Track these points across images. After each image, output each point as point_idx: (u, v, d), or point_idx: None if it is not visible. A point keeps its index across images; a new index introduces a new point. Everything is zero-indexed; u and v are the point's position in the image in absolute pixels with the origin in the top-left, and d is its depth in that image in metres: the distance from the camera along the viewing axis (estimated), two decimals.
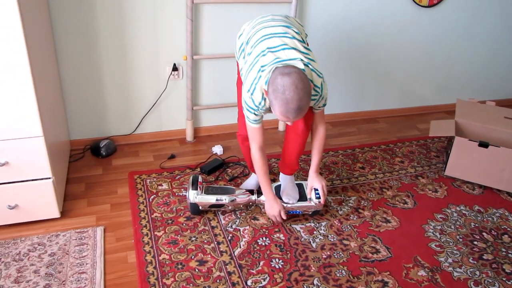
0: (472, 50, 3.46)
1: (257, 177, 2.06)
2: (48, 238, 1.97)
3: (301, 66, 1.73)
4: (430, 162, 2.81)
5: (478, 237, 2.17)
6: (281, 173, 2.24)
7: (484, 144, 2.44)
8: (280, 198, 2.14)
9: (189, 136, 2.88)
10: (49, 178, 1.99)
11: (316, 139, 2.06)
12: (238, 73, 2.09)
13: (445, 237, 2.15)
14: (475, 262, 2.01)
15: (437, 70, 3.45)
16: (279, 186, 2.21)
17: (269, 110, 1.84)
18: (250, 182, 2.36)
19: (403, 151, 2.92)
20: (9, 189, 1.94)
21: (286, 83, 1.61)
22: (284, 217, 2.07)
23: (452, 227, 2.23)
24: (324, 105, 1.93)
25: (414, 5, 3.08)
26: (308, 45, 1.96)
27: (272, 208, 2.06)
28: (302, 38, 1.91)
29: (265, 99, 1.78)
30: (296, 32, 1.89)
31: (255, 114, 1.84)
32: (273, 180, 2.45)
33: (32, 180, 1.97)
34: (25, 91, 1.80)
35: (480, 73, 3.60)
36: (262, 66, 1.76)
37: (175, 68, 2.69)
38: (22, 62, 1.74)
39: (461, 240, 2.14)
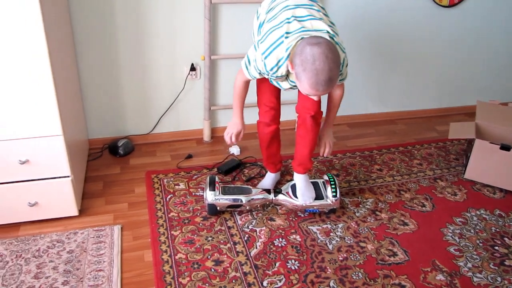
0: (493, 50, 3.39)
1: (233, 100, 2.05)
2: (67, 235, 2.00)
3: (327, 38, 1.67)
4: (449, 165, 2.77)
5: (499, 242, 2.13)
6: (295, 173, 2.23)
7: (506, 147, 2.40)
8: (296, 197, 2.14)
9: (206, 136, 2.89)
10: (68, 176, 2.02)
11: (329, 99, 2.05)
12: None
13: (464, 241, 2.12)
14: (496, 267, 1.97)
15: (457, 71, 3.40)
16: (295, 185, 2.20)
17: (281, 78, 1.80)
18: (266, 182, 2.37)
19: (422, 154, 2.88)
20: (29, 187, 1.98)
21: (316, 53, 1.53)
22: (233, 140, 2.08)
23: (472, 231, 2.19)
24: (343, 79, 1.87)
25: (434, 5, 3.04)
26: None
27: (234, 125, 2.07)
28: (326, 13, 1.86)
29: (278, 67, 1.71)
30: (321, 7, 1.85)
31: (259, 73, 1.82)
32: (289, 181, 2.44)
33: (52, 178, 2.00)
34: (45, 91, 1.82)
35: (501, 74, 3.54)
36: (287, 33, 1.67)
37: (193, 68, 2.70)
38: (43, 62, 1.77)
39: (481, 244, 2.10)
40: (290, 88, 1.91)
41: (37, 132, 1.89)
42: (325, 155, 2.16)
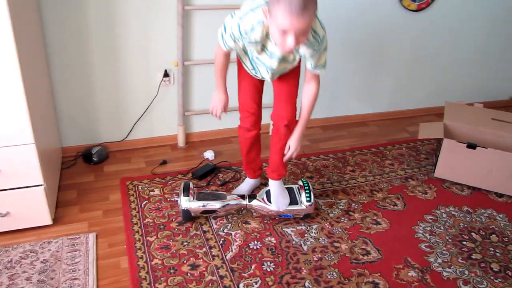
0: (460, 53, 3.51)
1: (215, 72, 2.04)
2: (40, 245, 1.98)
3: None
4: (420, 164, 2.84)
5: (467, 237, 2.20)
6: (269, 179, 2.25)
7: (472, 146, 2.48)
8: (271, 203, 2.16)
9: (180, 142, 2.90)
10: (41, 185, 2.00)
11: (304, 96, 1.98)
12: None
13: (434, 238, 2.18)
14: (464, 261, 2.04)
15: (426, 73, 3.50)
16: (269, 191, 2.22)
17: (256, 45, 1.77)
18: (243, 188, 2.39)
19: (393, 154, 2.95)
20: (0, 197, 1.95)
21: None
22: (219, 113, 2.11)
23: (442, 228, 2.26)
24: (322, 66, 1.87)
25: (403, 10, 3.13)
26: None
27: (218, 98, 2.10)
28: None
29: (253, 29, 1.70)
30: None
31: (234, 41, 1.79)
32: (264, 185, 2.47)
33: (24, 187, 1.97)
34: (15, 98, 1.80)
35: (468, 75, 3.65)
36: (266, 1, 1.65)
37: (166, 74, 2.71)
38: (13, 69, 1.75)
39: (450, 240, 2.17)
40: (272, 72, 1.91)
41: (8, 141, 1.87)
42: (284, 159, 2.10)
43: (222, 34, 1.83)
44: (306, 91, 1.98)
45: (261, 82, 2.11)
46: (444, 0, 3.21)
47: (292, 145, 2.06)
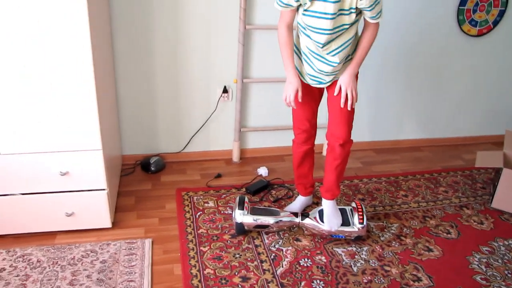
0: None
1: (281, 52, 1.98)
2: (100, 246, 2.08)
3: None
4: (476, 193, 2.76)
5: None
6: (323, 199, 2.26)
7: None
8: (323, 223, 2.17)
9: (235, 157, 2.97)
10: (104, 189, 2.11)
11: (362, 36, 1.93)
12: None
13: (491, 270, 2.11)
14: None
15: (485, 100, 3.41)
16: (322, 210, 2.23)
17: None
18: (295, 205, 2.41)
19: (448, 181, 2.89)
20: (68, 197, 2.07)
21: None
22: (292, 100, 1.97)
23: (500, 261, 2.18)
24: (378, 14, 1.84)
25: (463, 35, 3.09)
26: None
27: (291, 83, 1.98)
28: None
29: None
30: None
31: None
32: (316, 204, 2.49)
33: (89, 190, 2.10)
34: (89, 108, 1.94)
35: None
36: None
37: (225, 90, 2.80)
38: (89, 82, 1.89)
39: (510, 275, 2.09)
40: (328, 31, 1.83)
41: (78, 146, 2.00)
42: (342, 105, 1.98)
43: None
44: (364, 32, 1.93)
45: (316, 100, 2.15)
46: (506, 26, 3.14)
47: (350, 90, 1.96)
